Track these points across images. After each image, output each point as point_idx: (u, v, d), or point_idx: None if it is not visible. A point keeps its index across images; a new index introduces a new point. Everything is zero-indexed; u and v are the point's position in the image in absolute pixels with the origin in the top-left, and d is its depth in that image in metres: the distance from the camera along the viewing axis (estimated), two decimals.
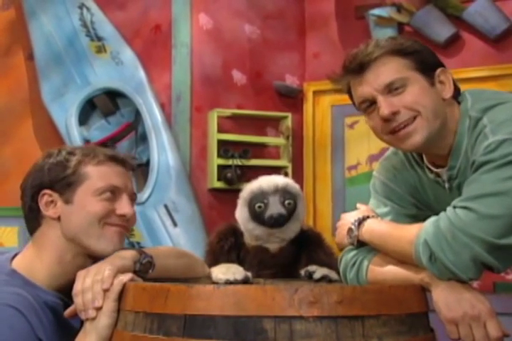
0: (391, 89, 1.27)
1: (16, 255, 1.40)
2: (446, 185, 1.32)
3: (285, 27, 3.48)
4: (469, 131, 1.26)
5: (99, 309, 1.22)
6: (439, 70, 1.31)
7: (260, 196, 1.39)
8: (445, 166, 1.32)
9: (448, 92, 1.31)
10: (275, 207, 1.37)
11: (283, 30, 3.48)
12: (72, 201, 1.35)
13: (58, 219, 1.36)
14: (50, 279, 1.35)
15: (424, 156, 1.38)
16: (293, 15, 3.51)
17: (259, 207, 1.38)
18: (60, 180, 1.36)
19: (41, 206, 1.36)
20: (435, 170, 1.35)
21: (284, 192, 1.40)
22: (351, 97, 1.35)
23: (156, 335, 1.12)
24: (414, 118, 1.27)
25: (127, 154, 1.53)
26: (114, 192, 1.37)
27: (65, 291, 1.32)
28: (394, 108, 1.26)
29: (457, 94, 1.34)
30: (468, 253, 1.13)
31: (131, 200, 1.41)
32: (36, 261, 1.36)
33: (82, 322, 1.26)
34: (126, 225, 1.40)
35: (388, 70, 1.27)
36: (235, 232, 1.45)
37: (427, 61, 1.30)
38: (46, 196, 1.36)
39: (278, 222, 1.38)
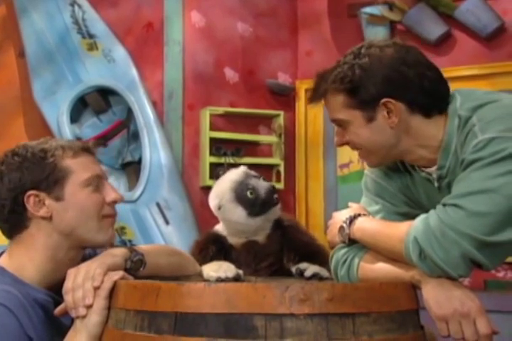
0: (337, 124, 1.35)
1: (0, 254, 1.39)
2: (436, 184, 1.33)
3: (277, 25, 3.49)
4: (459, 130, 1.26)
5: (89, 307, 1.21)
6: (383, 101, 1.27)
7: (243, 185, 1.40)
8: (435, 165, 1.32)
9: (393, 121, 1.29)
10: (264, 184, 1.40)
11: (275, 28, 3.48)
12: (63, 197, 1.34)
13: (50, 218, 1.34)
14: (41, 277, 1.34)
15: None
16: (285, 13, 3.52)
17: (251, 193, 1.39)
18: (44, 179, 1.33)
19: (30, 207, 1.33)
20: (425, 169, 1.35)
21: (252, 175, 1.43)
22: None
23: (147, 333, 1.12)
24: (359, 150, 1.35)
25: (88, 141, 1.51)
26: (97, 182, 1.37)
27: (56, 289, 1.32)
28: (341, 142, 1.35)
29: (446, 96, 1.33)
30: (457, 250, 1.14)
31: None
32: (25, 261, 1.34)
33: (72, 320, 1.26)
34: (117, 212, 1.41)
35: (332, 108, 1.33)
36: (217, 239, 1.45)
37: (368, 94, 1.27)
38: (33, 197, 1.33)
39: (275, 193, 1.41)
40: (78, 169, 1.35)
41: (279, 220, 1.47)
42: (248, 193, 1.38)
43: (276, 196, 1.41)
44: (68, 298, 1.23)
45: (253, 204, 1.39)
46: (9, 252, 1.37)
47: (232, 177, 1.42)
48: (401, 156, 1.34)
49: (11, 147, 1.40)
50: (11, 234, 1.37)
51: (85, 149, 1.40)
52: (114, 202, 1.38)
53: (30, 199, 1.33)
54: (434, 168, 1.32)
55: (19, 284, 1.31)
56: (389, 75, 1.27)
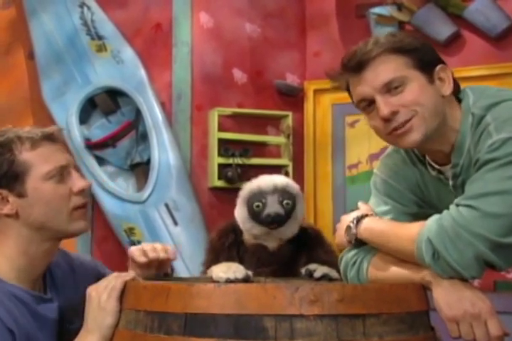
0: (390, 88, 1.26)
1: None
2: (451, 183, 1.31)
3: (286, 25, 3.48)
4: (472, 129, 1.25)
5: (105, 308, 1.21)
6: (438, 67, 1.30)
7: (258, 195, 1.38)
8: (447, 164, 1.32)
9: (447, 89, 1.30)
10: (273, 207, 1.37)
11: (284, 29, 3.48)
12: (25, 193, 1.30)
13: (16, 214, 1.30)
14: (16, 273, 1.30)
15: (419, 154, 1.37)
16: (294, 14, 3.51)
17: (257, 206, 1.38)
18: (2, 176, 1.29)
19: None
20: (437, 167, 1.34)
21: (282, 192, 1.39)
22: (350, 95, 1.35)
23: (157, 334, 1.12)
24: (413, 116, 1.26)
25: (50, 128, 1.39)
26: (62, 172, 1.33)
27: (35, 287, 1.29)
28: (393, 108, 1.25)
29: (457, 91, 1.33)
30: (471, 251, 1.13)
31: (78, 172, 1.37)
32: None
33: (65, 315, 1.26)
34: (88, 200, 1.37)
35: (387, 69, 1.26)
36: (235, 230, 1.45)
37: (426, 58, 1.29)
38: None
39: (275, 221, 1.38)
40: (38, 161, 1.30)
41: (301, 233, 1.44)
42: (255, 205, 1.38)
43: (275, 225, 1.38)
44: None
45: (254, 214, 1.39)
46: None
47: (263, 181, 1.41)
48: (439, 137, 1.29)
49: None
50: None
51: (46, 137, 1.33)
52: (82, 191, 1.34)
53: None
54: (447, 167, 1.32)
55: None
56: (433, 49, 1.33)
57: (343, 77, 1.32)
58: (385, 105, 1.25)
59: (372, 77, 1.27)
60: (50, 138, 1.35)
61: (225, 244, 1.39)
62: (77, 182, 1.34)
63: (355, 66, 1.28)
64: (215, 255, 1.39)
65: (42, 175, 1.30)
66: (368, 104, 1.29)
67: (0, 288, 1.26)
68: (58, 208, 1.31)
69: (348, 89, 1.34)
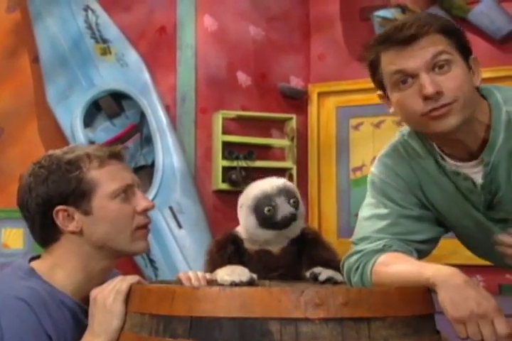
0: (436, 64, 1.24)
1: (32, 259, 1.37)
2: (480, 182, 1.29)
3: (290, 28, 3.49)
4: (505, 126, 1.25)
5: (112, 310, 1.22)
6: (472, 57, 1.30)
7: (266, 199, 1.38)
8: (466, 159, 1.30)
9: (477, 80, 1.29)
10: (285, 208, 1.37)
11: (288, 32, 3.48)
12: (91, 211, 1.31)
13: (80, 232, 1.32)
14: (73, 286, 1.32)
15: (436, 147, 1.34)
16: (298, 17, 3.52)
17: (269, 210, 1.37)
18: (70, 193, 1.29)
19: (59, 223, 1.30)
20: (452, 162, 1.31)
21: (287, 192, 1.39)
22: (372, 68, 1.30)
23: (162, 337, 1.12)
24: (453, 101, 1.23)
25: (117, 146, 1.41)
26: (126, 191, 1.34)
27: (86, 302, 1.30)
28: (439, 87, 1.22)
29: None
30: None
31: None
32: (57, 269, 1.33)
33: (85, 325, 1.26)
34: (150, 220, 1.37)
35: (437, 45, 1.24)
36: (235, 240, 1.44)
37: (464, 43, 1.29)
38: (61, 212, 1.30)
39: (291, 222, 1.37)
40: (105, 180, 1.32)
41: (301, 234, 1.44)
42: (266, 209, 1.37)
43: (289, 225, 1.37)
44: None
45: (265, 219, 1.37)
46: (42, 258, 1.37)
47: (264, 186, 1.40)
48: (467, 127, 1.26)
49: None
50: (43, 245, 1.36)
51: (113, 156, 1.35)
52: (145, 210, 1.35)
53: (59, 215, 1.31)
54: (470, 163, 1.30)
55: (47, 285, 1.29)
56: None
57: (376, 48, 1.28)
58: (430, 83, 1.22)
59: (421, 52, 1.23)
60: (117, 157, 1.36)
61: (223, 257, 1.38)
62: (142, 202, 1.34)
63: (404, 38, 1.24)
64: (214, 267, 1.37)
65: (108, 193, 1.31)
66: (404, 80, 1.25)
67: (51, 294, 1.28)
68: (122, 227, 1.32)
69: (371, 63, 1.30)
